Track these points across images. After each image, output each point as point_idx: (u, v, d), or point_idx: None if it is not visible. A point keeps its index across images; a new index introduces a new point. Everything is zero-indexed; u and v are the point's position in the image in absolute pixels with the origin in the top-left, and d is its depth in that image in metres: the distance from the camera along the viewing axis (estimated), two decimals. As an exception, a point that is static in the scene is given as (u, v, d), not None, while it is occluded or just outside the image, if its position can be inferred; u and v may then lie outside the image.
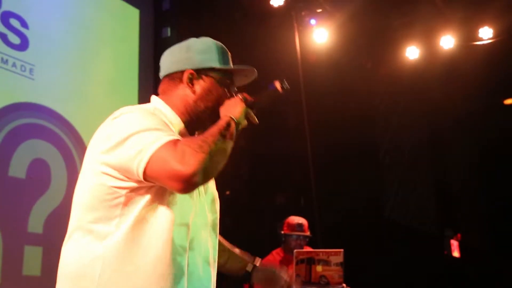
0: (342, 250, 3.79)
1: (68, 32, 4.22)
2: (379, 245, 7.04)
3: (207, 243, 1.64)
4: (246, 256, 2.04)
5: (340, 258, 3.75)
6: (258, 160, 6.16)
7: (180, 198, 1.54)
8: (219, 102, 1.67)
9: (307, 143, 6.25)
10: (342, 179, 6.91)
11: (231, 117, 1.58)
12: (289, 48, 6.14)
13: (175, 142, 1.43)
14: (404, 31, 6.55)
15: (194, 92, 1.66)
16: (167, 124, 1.55)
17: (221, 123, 1.56)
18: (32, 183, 3.67)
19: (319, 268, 3.72)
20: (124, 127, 1.48)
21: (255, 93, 1.72)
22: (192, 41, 1.74)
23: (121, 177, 1.48)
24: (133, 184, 1.48)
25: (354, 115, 7.04)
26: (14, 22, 3.81)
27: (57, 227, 3.69)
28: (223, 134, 1.52)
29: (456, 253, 7.32)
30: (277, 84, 1.69)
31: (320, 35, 6.21)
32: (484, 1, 6.01)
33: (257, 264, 2.03)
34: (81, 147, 4.09)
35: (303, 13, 6.12)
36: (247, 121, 1.67)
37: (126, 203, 1.49)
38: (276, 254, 4.30)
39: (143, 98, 4.30)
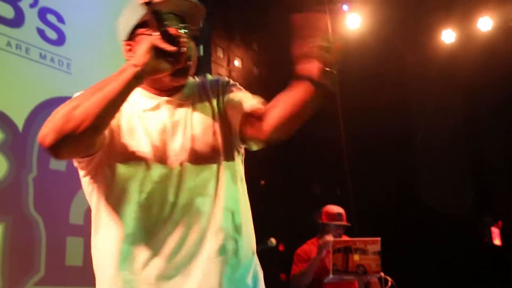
0: (379, 238, 3.76)
1: (103, 26, 4.27)
2: (416, 233, 6.96)
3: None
4: None
5: (377, 247, 3.73)
6: (292, 149, 6.15)
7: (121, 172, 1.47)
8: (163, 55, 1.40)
9: (341, 131, 6.21)
10: (377, 166, 6.85)
11: (129, 63, 1.37)
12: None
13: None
14: (439, 14, 6.42)
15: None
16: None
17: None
18: (72, 175, 3.73)
19: (356, 257, 3.71)
20: None
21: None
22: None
23: (76, 165, 1.56)
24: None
25: (389, 101, 6.95)
26: (51, 18, 3.88)
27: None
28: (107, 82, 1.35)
29: (497, 241, 7.18)
30: (143, 5, 1.39)
31: (353, 21, 6.14)
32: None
33: None
34: (118, 139, 4.16)
35: (334, -1, 6.07)
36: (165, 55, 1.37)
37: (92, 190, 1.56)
38: (311, 244, 4.28)
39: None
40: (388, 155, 6.98)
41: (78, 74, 3.97)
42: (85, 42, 4.07)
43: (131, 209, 1.44)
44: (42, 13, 3.82)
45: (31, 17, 3.72)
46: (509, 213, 7.90)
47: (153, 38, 1.36)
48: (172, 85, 1.54)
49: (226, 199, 1.48)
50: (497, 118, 8.58)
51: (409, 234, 6.76)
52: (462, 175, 8.60)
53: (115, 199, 1.46)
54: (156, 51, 1.35)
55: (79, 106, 1.31)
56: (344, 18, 6.14)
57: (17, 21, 3.64)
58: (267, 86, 6.36)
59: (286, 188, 6.13)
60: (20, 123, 3.54)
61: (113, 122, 1.46)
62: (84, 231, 3.70)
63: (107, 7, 4.33)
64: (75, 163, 1.53)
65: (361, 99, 6.51)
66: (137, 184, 1.45)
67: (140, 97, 1.55)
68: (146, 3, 1.37)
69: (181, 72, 1.49)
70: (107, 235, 1.47)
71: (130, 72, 1.34)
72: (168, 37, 1.36)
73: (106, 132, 1.44)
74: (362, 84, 6.59)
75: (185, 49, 1.39)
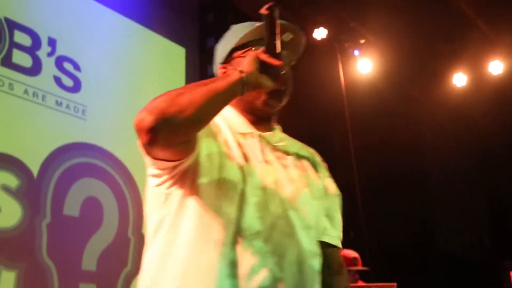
0: (395, 284, 3.70)
1: (118, 73, 4.36)
2: (432, 277, 6.82)
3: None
4: None
5: (393, 293, 3.65)
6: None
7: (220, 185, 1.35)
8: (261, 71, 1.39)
9: (354, 174, 6.19)
10: (391, 209, 6.79)
11: (236, 69, 1.35)
12: (334, 79, 6.15)
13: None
14: (450, 58, 6.46)
15: None
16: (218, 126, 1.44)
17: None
18: (85, 221, 3.76)
19: (372, 303, 3.64)
20: None
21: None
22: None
23: (155, 172, 1.38)
24: (158, 172, 1.37)
25: (402, 144, 6.94)
26: (67, 66, 3.97)
27: (109, 264, 3.76)
28: (214, 80, 1.33)
29: (516, 286, 7.03)
30: (264, 11, 1.38)
31: (364, 66, 6.21)
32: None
33: None
34: (132, 185, 4.18)
35: (346, 45, 6.14)
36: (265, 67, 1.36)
37: (165, 201, 1.38)
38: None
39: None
40: (403, 197, 6.93)
41: (93, 120, 4.03)
42: (100, 89, 4.16)
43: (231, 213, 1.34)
44: (59, 62, 3.92)
45: (48, 65, 3.82)
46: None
47: (259, 51, 1.36)
48: (263, 110, 1.50)
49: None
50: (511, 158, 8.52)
51: (426, 278, 6.63)
52: (479, 217, 8.47)
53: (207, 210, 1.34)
54: (261, 64, 1.34)
55: (184, 94, 1.25)
56: (355, 63, 6.20)
57: (35, 69, 3.74)
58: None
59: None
60: (35, 169, 3.58)
61: (209, 137, 1.41)
62: (97, 277, 3.69)
63: (121, 54, 4.43)
64: (153, 170, 1.40)
65: (374, 142, 6.51)
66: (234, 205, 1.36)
67: (236, 119, 1.52)
68: (270, 8, 1.37)
69: (276, 95, 1.47)
70: (197, 243, 1.32)
71: (236, 75, 1.32)
72: (274, 52, 1.35)
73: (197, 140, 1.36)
74: (375, 127, 6.60)
75: (285, 70, 1.39)
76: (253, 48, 1.50)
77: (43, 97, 3.73)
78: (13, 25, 3.67)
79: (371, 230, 6.19)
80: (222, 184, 1.35)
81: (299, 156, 1.56)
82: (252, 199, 1.35)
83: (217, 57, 1.60)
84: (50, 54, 3.86)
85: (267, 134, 1.52)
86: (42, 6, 3.90)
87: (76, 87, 3.99)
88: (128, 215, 4.07)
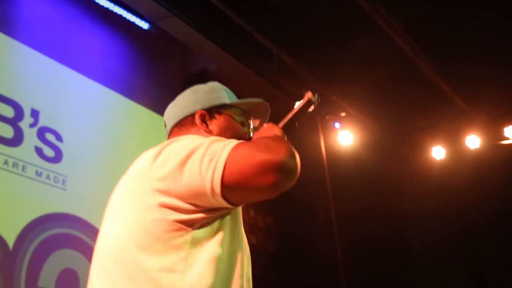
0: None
1: (100, 143, 4.38)
2: None
3: None
4: None
5: None
6: (287, 263, 6.05)
7: (235, 242, 1.31)
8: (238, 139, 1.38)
9: (336, 245, 6.16)
10: (374, 278, 6.73)
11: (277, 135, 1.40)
12: (315, 151, 6.23)
13: (246, 142, 1.27)
14: (429, 131, 6.62)
15: (210, 132, 1.48)
16: None
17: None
18: (59, 295, 3.66)
19: None
20: (181, 148, 1.26)
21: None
22: (196, 86, 1.61)
23: (187, 207, 1.22)
24: (201, 215, 1.22)
25: (383, 216, 6.96)
26: (49, 137, 3.99)
27: None
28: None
29: None
30: (309, 94, 1.55)
31: (345, 138, 6.31)
32: (508, 101, 6.09)
33: None
34: (110, 256, 4.11)
35: (327, 117, 6.26)
36: None
37: (193, 243, 1.22)
38: None
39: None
40: (386, 269, 6.89)
41: (73, 190, 4.01)
42: (81, 159, 4.15)
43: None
44: (41, 133, 3.93)
45: (30, 136, 3.82)
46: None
47: (281, 129, 1.47)
48: None
49: None
50: (492, 230, 8.55)
51: None
52: (460, 286, 8.42)
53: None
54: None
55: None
56: (336, 135, 6.31)
57: (16, 140, 3.74)
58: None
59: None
60: (11, 241, 3.51)
61: None
62: None
63: (103, 125, 4.47)
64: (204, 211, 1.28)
65: (356, 214, 6.52)
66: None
67: None
68: (315, 97, 1.55)
69: None
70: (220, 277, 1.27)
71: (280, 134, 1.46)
72: (290, 128, 1.51)
73: None
74: (356, 199, 6.63)
75: None
76: (252, 118, 1.59)
77: (23, 168, 3.71)
78: (-4, 97, 3.71)
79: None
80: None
81: None
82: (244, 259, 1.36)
83: (199, 100, 1.55)
84: (32, 125, 3.87)
85: None
86: (26, 77, 3.95)
87: (57, 158, 3.99)
88: (105, 289, 3.97)
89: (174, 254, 1.21)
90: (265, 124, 1.53)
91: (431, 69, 5.57)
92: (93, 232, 4.05)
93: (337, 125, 6.34)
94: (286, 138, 1.45)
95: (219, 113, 1.52)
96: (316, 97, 1.54)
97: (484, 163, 6.67)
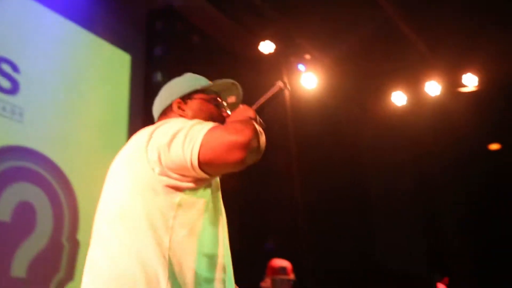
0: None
1: (59, 76, 4.27)
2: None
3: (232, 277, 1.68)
4: None
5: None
6: (248, 207, 6.14)
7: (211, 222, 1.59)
8: (212, 118, 1.72)
9: (296, 189, 6.26)
10: (332, 224, 6.89)
11: (249, 117, 1.62)
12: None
13: (220, 125, 1.54)
14: (391, 77, 6.67)
15: (186, 116, 1.74)
16: None
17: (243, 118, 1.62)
18: (16, 226, 3.64)
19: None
20: (169, 128, 1.56)
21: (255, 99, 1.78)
22: (173, 80, 1.89)
23: (175, 176, 1.52)
24: (187, 184, 1.53)
25: (344, 160, 7.08)
26: (5, 67, 3.87)
27: (41, 271, 3.66)
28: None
29: (442, 296, 7.31)
30: (280, 83, 1.75)
31: (308, 80, 6.31)
32: (468, 49, 6.16)
33: None
34: (68, 190, 4.09)
35: (291, 59, 6.23)
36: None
37: (180, 205, 1.53)
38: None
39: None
40: (344, 213, 7.04)
41: (31, 123, 3.93)
42: (40, 91, 4.06)
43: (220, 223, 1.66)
44: (-3, 63, 3.81)
45: (-16, 65, 3.70)
46: (458, 270, 8.02)
47: (255, 111, 1.68)
48: None
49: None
50: (449, 177, 8.82)
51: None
52: (416, 234, 8.71)
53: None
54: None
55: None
56: (300, 78, 6.29)
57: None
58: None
59: (243, 246, 6.08)
60: (-34, 171, 3.45)
61: None
62: (27, 284, 3.58)
63: (63, 58, 4.35)
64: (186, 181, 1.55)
65: (317, 157, 6.61)
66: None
67: None
68: (285, 85, 1.74)
69: None
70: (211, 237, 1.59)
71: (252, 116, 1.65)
72: (261, 112, 1.69)
73: None
74: (318, 142, 6.71)
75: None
76: (219, 98, 1.81)
77: (-22, 98, 3.61)
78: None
79: (312, 242, 6.27)
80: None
81: None
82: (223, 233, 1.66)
83: (175, 91, 1.82)
84: (-13, 54, 3.75)
85: None
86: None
87: (14, 89, 3.89)
88: (63, 221, 3.97)
89: (169, 209, 1.52)
90: (240, 105, 1.74)
91: (396, 14, 5.57)
92: (50, 166, 4.01)
93: (301, 67, 6.31)
94: (258, 118, 1.66)
95: (191, 99, 1.79)
96: (286, 86, 1.75)
97: (443, 110, 6.80)
